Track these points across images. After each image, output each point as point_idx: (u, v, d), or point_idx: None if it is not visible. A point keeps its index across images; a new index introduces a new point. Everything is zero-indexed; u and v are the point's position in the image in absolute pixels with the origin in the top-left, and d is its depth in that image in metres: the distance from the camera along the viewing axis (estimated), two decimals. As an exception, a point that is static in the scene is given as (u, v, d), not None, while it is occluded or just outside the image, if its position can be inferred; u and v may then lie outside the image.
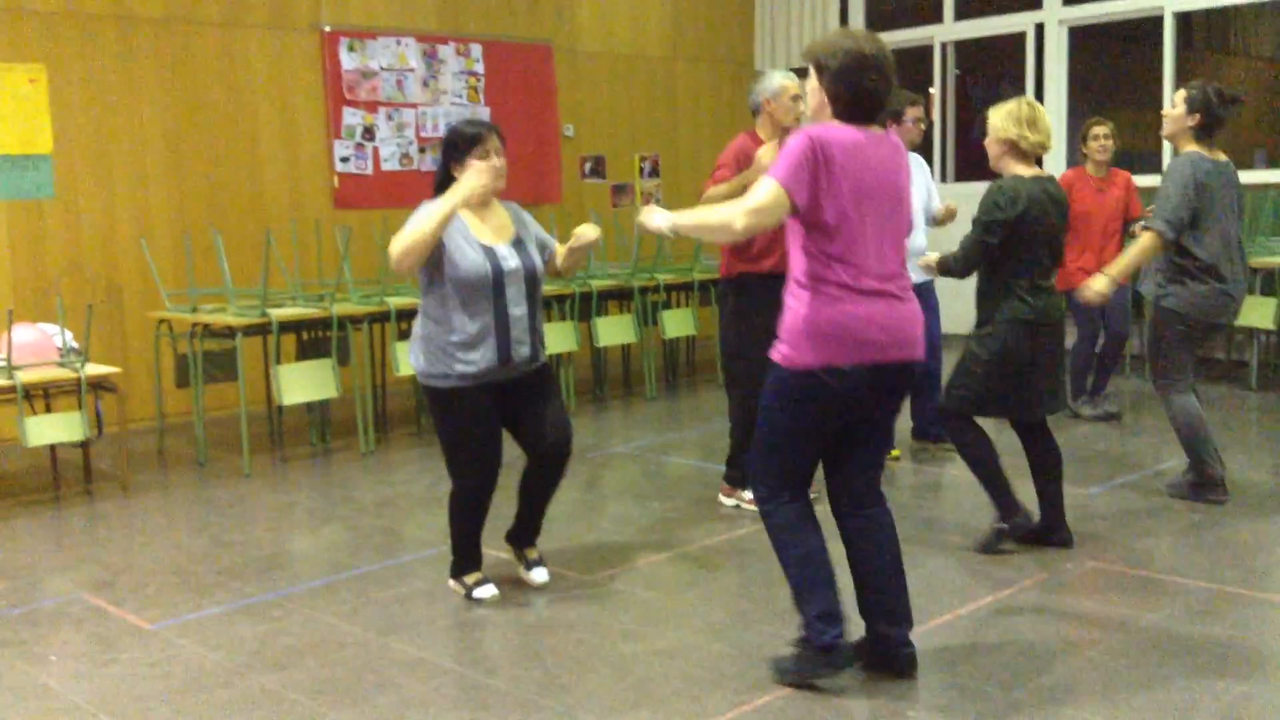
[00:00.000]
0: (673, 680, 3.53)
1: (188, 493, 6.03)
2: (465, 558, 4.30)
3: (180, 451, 6.90)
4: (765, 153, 4.91)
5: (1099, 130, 6.93)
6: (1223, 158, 5.08)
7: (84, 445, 6.11)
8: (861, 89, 3.25)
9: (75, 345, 6.15)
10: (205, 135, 7.87)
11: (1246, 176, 8.42)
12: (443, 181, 4.12)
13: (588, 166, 9.97)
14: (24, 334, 5.94)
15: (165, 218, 7.72)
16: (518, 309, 4.08)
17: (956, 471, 5.90)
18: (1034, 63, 9.81)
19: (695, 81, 10.61)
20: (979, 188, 4.81)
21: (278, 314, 6.45)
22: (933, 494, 5.62)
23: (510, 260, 4.08)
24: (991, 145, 4.51)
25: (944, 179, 10.37)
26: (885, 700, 3.34)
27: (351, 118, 8.46)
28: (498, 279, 4.03)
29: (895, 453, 6.16)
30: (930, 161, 10.21)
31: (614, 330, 8.06)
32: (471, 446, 4.13)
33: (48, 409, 6.20)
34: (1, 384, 5.64)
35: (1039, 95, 9.66)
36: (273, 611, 4.22)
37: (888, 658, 3.46)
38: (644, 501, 5.57)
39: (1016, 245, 4.40)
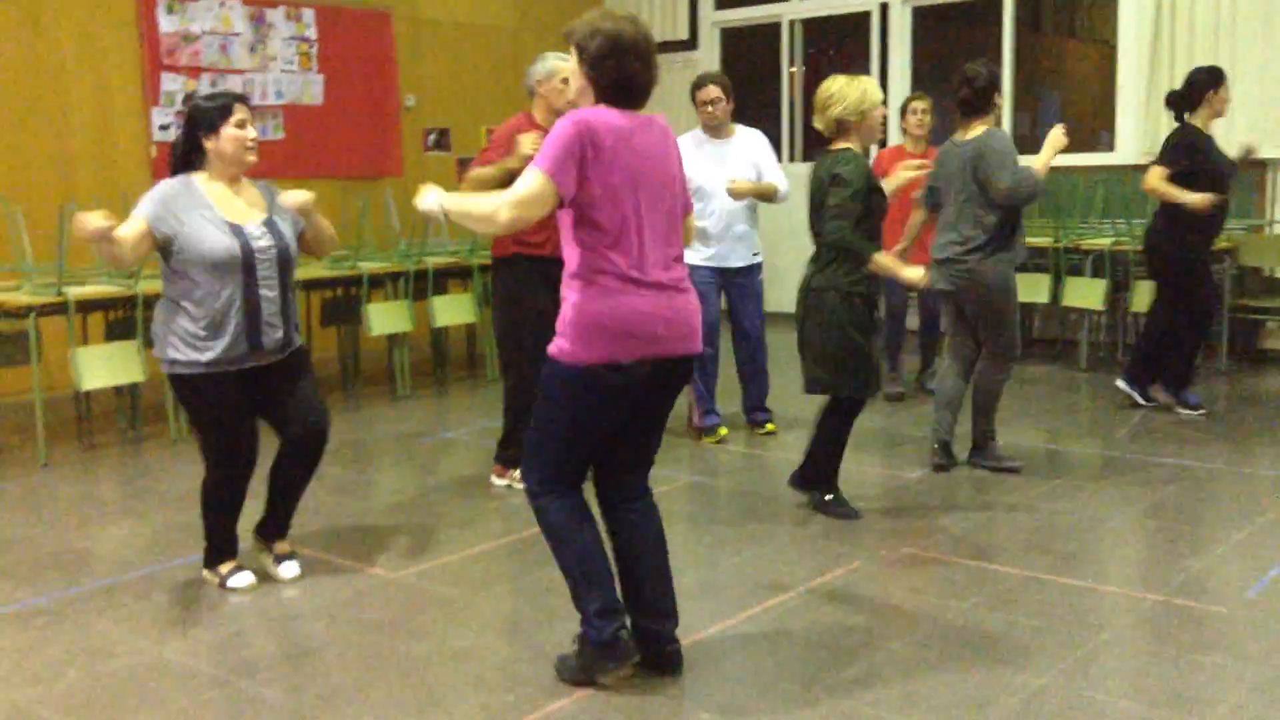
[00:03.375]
0: (464, 685, 3.34)
1: (-25, 485, 5.60)
2: (217, 547, 4.13)
3: (-25, 440, 6.44)
4: (526, 141, 4.80)
5: (918, 105, 6.91)
6: None
7: None
8: (622, 74, 3.10)
9: None
10: (6, 100, 7.33)
11: (1088, 158, 8.60)
12: (185, 154, 3.90)
13: (431, 139, 9.66)
14: None
15: (-37, 188, 7.19)
16: (270, 291, 3.89)
17: (780, 454, 5.82)
18: (879, 43, 9.81)
19: (543, 53, 10.31)
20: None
21: (76, 293, 6.03)
22: (750, 481, 5.51)
23: (261, 239, 3.88)
24: (835, 123, 4.51)
25: (790, 158, 10.32)
26: (681, 700, 3.22)
27: (171, 84, 7.99)
28: (248, 259, 3.83)
29: (723, 431, 6.11)
30: (778, 140, 10.16)
31: (453, 310, 7.81)
32: (224, 434, 3.95)
33: None
34: None
35: (883, 75, 9.68)
36: (41, 618, 3.90)
37: (654, 655, 3.32)
38: (468, 490, 5.35)
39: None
